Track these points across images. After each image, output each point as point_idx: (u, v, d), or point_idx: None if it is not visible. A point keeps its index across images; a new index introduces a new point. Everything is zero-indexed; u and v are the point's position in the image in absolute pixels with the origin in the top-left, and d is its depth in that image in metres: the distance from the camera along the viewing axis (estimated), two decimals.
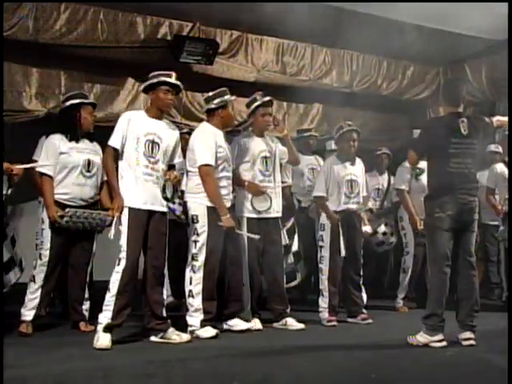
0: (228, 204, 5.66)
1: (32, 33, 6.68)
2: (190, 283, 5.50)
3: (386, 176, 8.19)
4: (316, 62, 8.51)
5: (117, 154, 5.14)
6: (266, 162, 6.06)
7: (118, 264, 5.01)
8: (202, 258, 5.47)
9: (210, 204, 5.50)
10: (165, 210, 5.21)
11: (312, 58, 8.48)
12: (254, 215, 5.97)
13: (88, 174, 5.58)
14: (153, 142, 5.17)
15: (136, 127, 5.15)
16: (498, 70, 8.42)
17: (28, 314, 5.43)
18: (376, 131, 9.13)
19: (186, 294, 5.53)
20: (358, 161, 6.63)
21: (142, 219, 5.09)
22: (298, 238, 6.87)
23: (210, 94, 5.71)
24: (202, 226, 5.48)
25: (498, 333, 5.34)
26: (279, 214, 6.13)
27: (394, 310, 7.28)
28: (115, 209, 5.07)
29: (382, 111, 9.31)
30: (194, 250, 5.51)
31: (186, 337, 5.23)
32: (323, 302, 6.37)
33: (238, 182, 5.96)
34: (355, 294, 6.50)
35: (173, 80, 5.28)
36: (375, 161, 8.25)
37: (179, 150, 5.42)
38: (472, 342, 5.11)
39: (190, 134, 7.31)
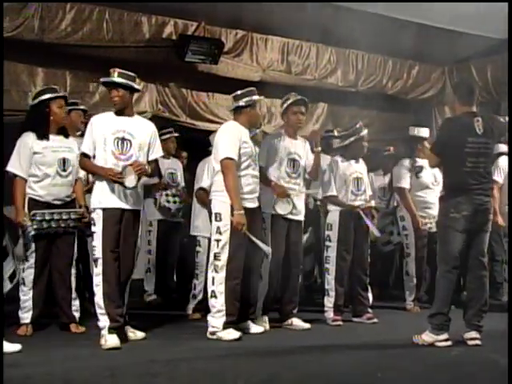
0: (253, 204, 5.59)
1: (37, 32, 6.70)
2: (213, 283, 5.39)
3: (390, 175, 8.17)
4: (321, 61, 8.51)
5: (89, 158, 5.18)
6: (294, 165, 6.02)
7: (96, 266, 5.05)
8: (224, 257, 5.36)
9: None
10: (135, 208, 5.20)
11: (317, 57, 8.48)
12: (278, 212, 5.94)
13: (64, 173, 5.52)
14: (123, 139, 5.16)
15: (102, 128, 5.16)
16: (503, 69, 8.40)
17: (25, 316, 5.43)
18: (381, 130, 9.13)
19: (209, 294, 5.42)
20: (361, 159, 6.65)
21: (115, 219, 5.09)
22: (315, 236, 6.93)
23: (239, 92, 5.66)
24: (225, 224, 5.38)
25: (503, 333, 5.30)
26: (302, 218, 6.09)
27: (398, 310, 7.28)
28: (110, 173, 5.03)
29: (387, 110, 9.30)
30: (216, 250, 5.40)
31: (140, 335, 5.27)
32: (329, 302, 6.36)
33: (264, 180, 5.90)
34: (362, 294, 6.49)
35: (107, 78, 5.24)
36: (382, 161, 8.23)
37: (156, 145, 5.37)
38: (477, 341, 5.09)
39: (176, 137, 7.42)
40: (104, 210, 5.08)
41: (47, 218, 5.41)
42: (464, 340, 5.13)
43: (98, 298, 5.03)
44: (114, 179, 5.03)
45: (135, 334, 5.25)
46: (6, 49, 6.36)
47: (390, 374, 4.31)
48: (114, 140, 5.14)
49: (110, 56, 7.22)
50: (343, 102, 8.86)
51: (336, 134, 7.70)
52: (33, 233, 5.37)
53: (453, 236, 5.12)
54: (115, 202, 5.10)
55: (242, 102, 5.62)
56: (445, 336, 5.09)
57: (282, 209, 5.93)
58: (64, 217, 5.47)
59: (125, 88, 5.22)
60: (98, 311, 5.03)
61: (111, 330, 4.96)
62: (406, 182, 7.15)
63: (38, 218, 5.38)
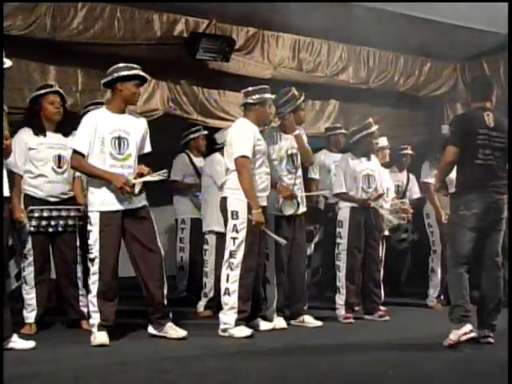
0: (266, 203, 5.58)
1: (49, 31, 6.71)
2: (227, 281, 5.39)
3: (405, 173, 8.17)
4: (332, 58, 8.48)
5: (84, 157, 5.06)
6: (293, 160, 6.01)
7: (92, 265, 5.00)
8: (240, 255, 5.37)
9: None
10: (138, 205, 5.13)
11: (328, 54, 8.45)
12: (282, 214, 5.92)
13: (59, 170, 5.47)
14: (119, 138, 5.08)
15: (100, 127, 5.06)
16: None
17: (29, 315, 5.40)
18: (393, 128, 9.09)
19: (222, 291, 5.43)
20: (373, 157, 6.65)
21: (115, 220, 5.03)
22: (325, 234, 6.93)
23: (250, 88, 5.66)
24: (242, 222, 5.38)
25: None
26: (304, 209, 6.07)
27: (410, 307, 7.28)
28: (125, 182, 4.95)
29: (398, 107, 9.26)
30: (232, 247, 5.40)
31: (182, 333, 5.17)
32: (340, 299, 6.37)
33: None
34: (374, 291, 6.50)
35: (143, 73, 5.20)
36: (397, 158, 8.20)
37: (147, 141, 5.30)
38: (490, 339, 5.04)
39: (207, 135, 7.44)
40: (102, 212, 5.02)
41: (45, 215, 5.38)
42: (477, 338, 5.05)
43: (92, 296, 5.02)
44: (127, 190, 4.96)
45: (177, 332, 5.17)
46: (18, 47, 6.39)
47: (401, 371, 4.30)
48: (111, 140, 5.06)
49: (122, 54, 7.19)
50: (355, 99, 8.83)
51: (343, 131, 7.72)
52: (32, 229, 5.34)
53: (461, 234, 5.05)
54: (115, 205, 5.04)
55: (250, 100, 5.62)
56: (467, 328, 4.89)
57: (288, 210, 5.92)
58: (63, 214, 5.43)
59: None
60: (91, 308, 5.03)
61: (101, 328, 4.95)
62: (431, 178, 7.13)
63: (36, 215, 5.35)
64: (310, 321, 6.01)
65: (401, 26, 7.25)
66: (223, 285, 5.44)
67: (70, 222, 5.51)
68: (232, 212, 5.45)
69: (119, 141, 5.09)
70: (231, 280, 5.39)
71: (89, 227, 5.08)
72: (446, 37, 7.90)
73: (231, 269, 5.40)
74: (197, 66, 7.68)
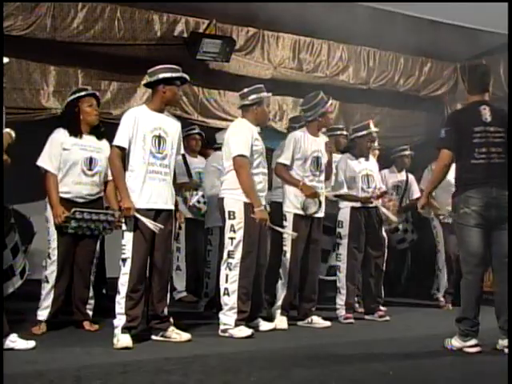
0: (264, 202, 5.57)
1: (50, 31, 6.73)
2: (226, 281, 5.38)
3: (404, 173, 8.17)
4: (333, 58, 8.49)
5: (123, 154, 5.03)
6: (317, 162, 6.02)
7: (124, 265, 4.95)
8: (238, 255, 5.35)
9: (247, 200, 5.39)
10: (171, 207, 5.14)
11: (328, 54, 8.46)
12: (301, 212, 5.92)
13: (89, 173, 5.43)
14: (159, 136, 5.08)
15: (142, 124, 5.05)
16: None
17: (42, 313, 5.35)
18: (393, 128, 9.11)
19: (221, 292, 5.41)
20: (371, 157, 6.67)
21: (149, 219, 4.98)
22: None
23: (246, 90, 5.65)
24: (239, 222, 5.37)
25: None
26: (323, 214, 6.07)
27: (410, 307, 7.29)
28: (122, 211, 4.95)
29: (398, 108, 9.28)
30: (230, 247, 5.39)
31: (185, 336, 5.13)
32: (340, 300, 6.37)
33: (289, 179, 5.92)
34: (375, 291, 6.49)
35: (185, 75, 5.21)
36: (397, 159, 8.21)
37: (181, 143, 5.33)
38: None
39: (200, 134, 7.44)
40: (137, 210, 4.95)
41: (86, 217, 5.33)
42: (498, 348, 4.80)
43: (121, 298, 4.94)
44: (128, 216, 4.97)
45: (180, 336, 5.13)
46: (18, 47, 6.42)
47: (402, 371, 4.30)
48: (152, 138, 5.05)
49: (122, 54, 7.26)
50: (355, 100, 8.84)
51: (344, 132, 7.71)
52: (71, 231, 5.31)
53: (467, 233, 4.83)
54: (149, 203, 5.00)
55: (247, 101, 5.62)
56: (473, 342, 4.76)
57: (311, 208, 5.92)
58: (102, 218, 5.40)
59: None
60: (118, 310, 4.95)
61: (124, 330, 4.90)
62: None
63: (78, 217, 5.30)
64: (318, 321, 6.00)
65: (401, 26, 7.25)
66: (222, 285, 5.43)
67: (107, 227, 5.46)
68: (229, 212, 5.44)
69: (159, 140, 5.09)
70: (230, 280, 5.38)
71: (123, 227, 5.02)
72: (446, 37, 7.90)
73: (230, 269, 5.38)
74: (197, 66, 7.68)
